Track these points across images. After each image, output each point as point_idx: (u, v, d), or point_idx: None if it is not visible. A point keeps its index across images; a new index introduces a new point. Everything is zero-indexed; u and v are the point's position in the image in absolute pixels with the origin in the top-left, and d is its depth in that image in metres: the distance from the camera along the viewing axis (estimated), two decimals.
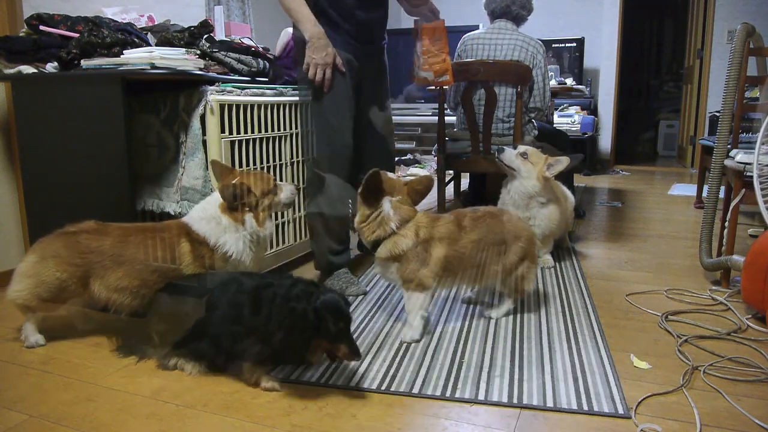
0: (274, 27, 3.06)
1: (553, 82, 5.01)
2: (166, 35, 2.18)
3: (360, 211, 1.72)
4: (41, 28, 2.09)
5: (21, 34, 2.14)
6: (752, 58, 2.26)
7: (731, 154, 2.22)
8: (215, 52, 2.17)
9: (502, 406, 1.34)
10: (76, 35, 2.05)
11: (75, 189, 1.99)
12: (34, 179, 2.07)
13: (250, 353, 1.40)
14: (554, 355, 1.59)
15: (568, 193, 2.59)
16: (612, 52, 5.73)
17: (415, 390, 1.41)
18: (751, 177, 2.00)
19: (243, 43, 2.29)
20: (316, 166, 2.12)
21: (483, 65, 2.68)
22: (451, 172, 3.82)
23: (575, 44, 5.58)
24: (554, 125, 4.43)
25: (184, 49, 2.02)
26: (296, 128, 2.37)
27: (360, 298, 2.07)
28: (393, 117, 2.43)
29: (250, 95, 2.11)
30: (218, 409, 1.34)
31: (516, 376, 1.47)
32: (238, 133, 2.06)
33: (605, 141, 5.91)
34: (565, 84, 5.04)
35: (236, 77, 2.19)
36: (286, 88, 2.33)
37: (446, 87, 2.74)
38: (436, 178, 2.69)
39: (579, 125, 5.31)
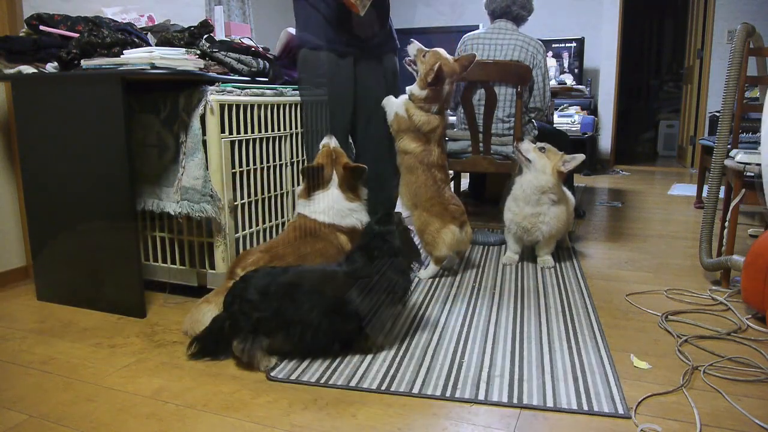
0: (274, 27, 3.06)
1: (553, 82, 5.01)
2: (166, 35, 2.18)
3: None
4: (41, 28, 2.09)
5: (21, 34, 2.14)
6: (752, 58, 2.26)
7: (731, 154, 2.22)
8: (215, 52, 2.17)
9: (502, 406, 1.34)
10: (76, 35, 2.05)
11: (75, 189, 1.99)
12: (34, 179, 2.06)
13: None
14: (554, 355, 1.59)
15: (569, 193, 2.59)
16: (612, 52, 5.73)
17: (415, 390, 1.41)
18: (751, 177, 2.00)
19: (243, 43, 2.29)
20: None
21: (483, 65, 2.68)
22: (451, 172, 3.82)
23: (575, 44, 5.58)
24: (554, 125, 4.43)
25: (184, 49, 2.02)
26: (296, 128, 2.37)
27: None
28: None
29: (250, 95, 2.11)
30: (218, 409, 1.34)
31: (516, 376, 1.47)
32: (238, 133, 2.06)
33: (605, 141, 5.91)
34: (565, 84, 5.04)
35: (236, 77, 2.19)
36: (286, 88, 2.33)
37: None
38: None
39: (579, 125, 5.31)
